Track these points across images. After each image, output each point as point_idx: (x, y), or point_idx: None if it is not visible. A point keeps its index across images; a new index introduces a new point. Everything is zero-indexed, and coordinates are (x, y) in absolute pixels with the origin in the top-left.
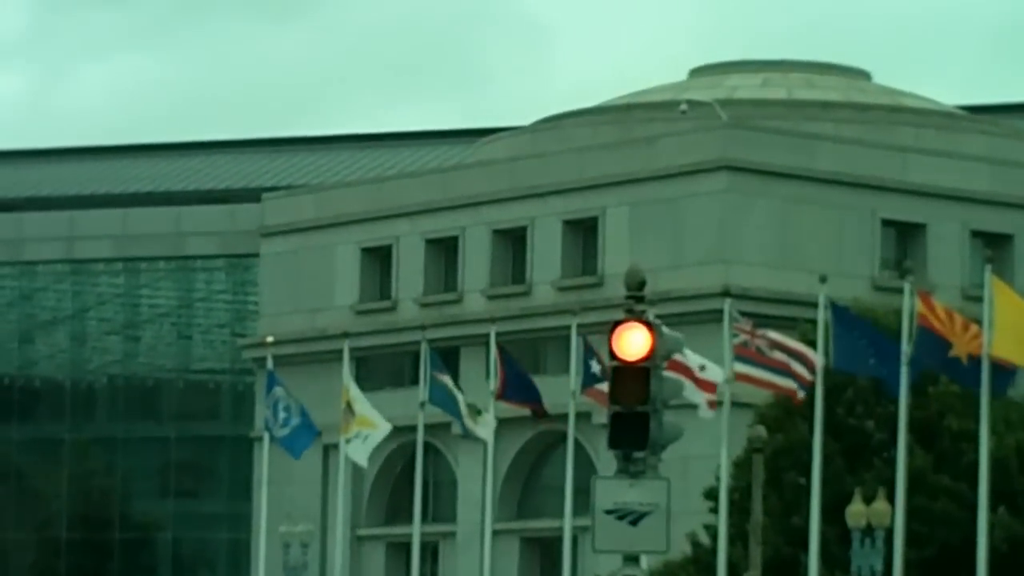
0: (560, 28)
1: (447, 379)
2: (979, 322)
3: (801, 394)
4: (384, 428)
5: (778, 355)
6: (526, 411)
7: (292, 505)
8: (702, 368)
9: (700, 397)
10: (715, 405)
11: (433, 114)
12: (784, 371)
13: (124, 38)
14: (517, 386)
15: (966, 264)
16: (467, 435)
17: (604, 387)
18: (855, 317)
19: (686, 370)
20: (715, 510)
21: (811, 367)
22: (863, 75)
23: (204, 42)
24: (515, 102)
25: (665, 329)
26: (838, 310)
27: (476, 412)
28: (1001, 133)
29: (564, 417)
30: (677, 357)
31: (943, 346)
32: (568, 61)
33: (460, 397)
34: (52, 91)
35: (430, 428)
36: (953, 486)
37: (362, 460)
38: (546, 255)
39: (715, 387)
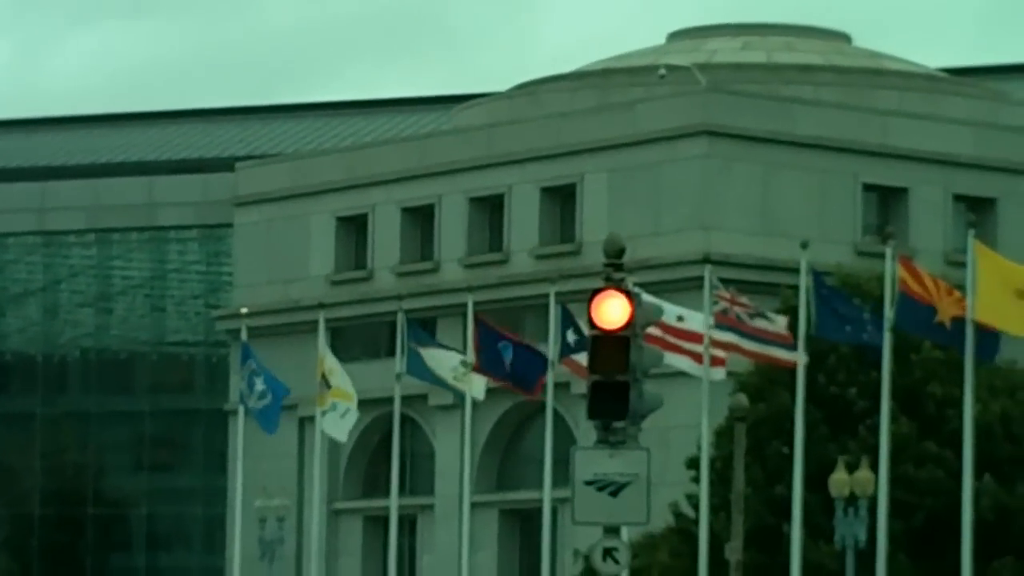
0: None
1: (433, 350)
2: (962, 288)
3: (794, 358)
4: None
5: (760, 323)
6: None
7: (268, 479)
8: (679, 319)
9: (684, 362)
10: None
11: (409, 81)
12: (768, 339)
13: (104, 8)
14: (497, 361)
15: (949, 229)
16: (457, 397)
17: (580, 357)
18: (833, 289)
19: (665, 339)
20: (696, 480)
21: (785, 343)
22: (843, 38)
23: (180, 12)
24: (492, 68)
25: (645, 296)
26: (818, 277)
27: (465, 370)
28: (984, 96)
29: (543, 387)
30: (653, 329)
31: (926, 311)
32: (546, 26)
33: (452, 360)
34: (32, 61)
35: (407, 400)
36: (938, 453)
37: (341, 435)
38: (524, 223)
39: (700, 337)
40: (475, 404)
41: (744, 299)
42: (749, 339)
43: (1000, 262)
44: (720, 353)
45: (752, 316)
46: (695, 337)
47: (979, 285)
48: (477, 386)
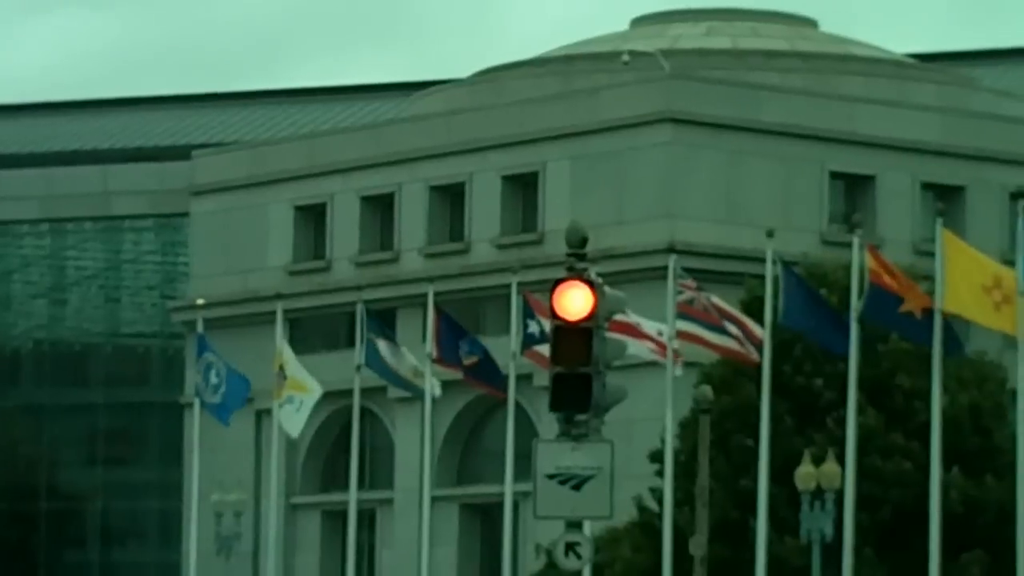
0: None
1: (387, 345)
2: (930, 277)
3: (755, 356)
4: (316, 392)
5: (723, 304)
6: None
7: (224, 473)
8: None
9: (645, 350)
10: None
11: (368, 67)
12: (736, 323)
13: None
14: (457, 353)
15: (917, 217)
16: (414, 394)
17: (543, 348)
18: (800, 280)
19: (630, 328)
20: (660, 473)
21: (756, 342)
22: (810, 23)
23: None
24: (452, 54)
25: (607, 288)
26: (787, 267)
27: (419, 373)
28: (953, 82)
29: (504, 379)
30: (620, 316)
31: (894, 302)
32: (507, 12)
33: (403, 357)
34: None
35: (366, 392)
36: (906, 445)
37: (294, 430)
38: (485, 212)
39: (664, 347)
40: (435, 397)
41: (704, 295)
42: (715, 332)
43: (968, 252)
44: (680, 344)
45: (711, 310)
46: (662, 346)
47: (947, 275)
48: (435, 385)
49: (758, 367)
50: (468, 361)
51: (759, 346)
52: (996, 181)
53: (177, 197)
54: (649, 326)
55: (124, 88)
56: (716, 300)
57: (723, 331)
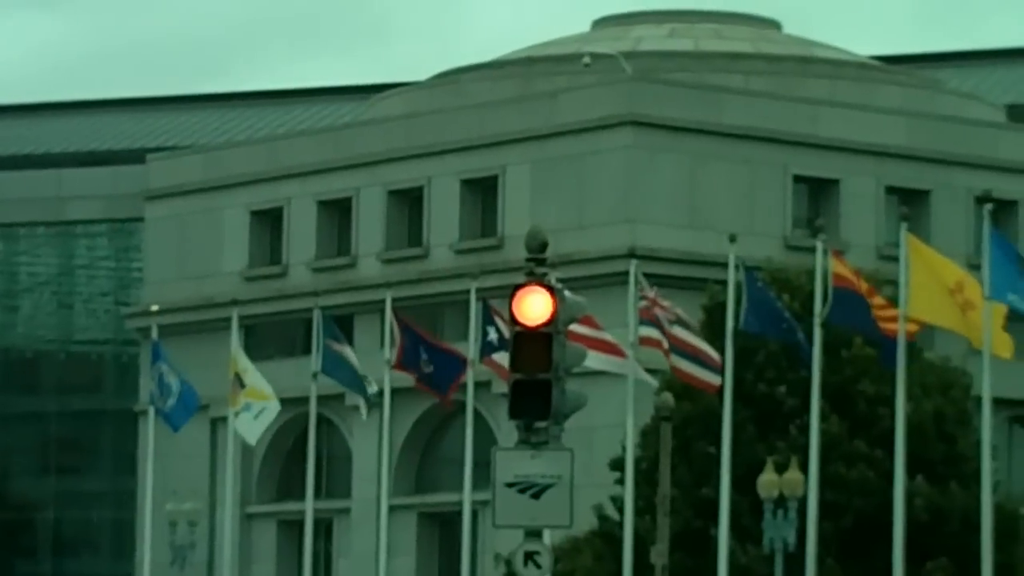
0: None
1: (345, 349)
2: (894, 282)
3: (717, 381)
4: (275, 404)
5: (680, 332)
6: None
7: (179, 482)
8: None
9: (608, 361)
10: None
11: (325, 70)
12: (691, 354)
13: None
14: (417, 359)
15: (881, 221)
16: (373, 404)
17: (501, 357)
18: (762, 287)
19: (589, 337)
20: (621, 482)
21: (715, 367)
22: (773, 25)
23: (90, 1)
24: (411, 57)
25: (568, 293)
26: (750, 272)
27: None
28: (917, 85)
29: (463, 386)
30: (577, 327)
31: (861, 305)
32: (466, 14)
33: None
34: None
35: (323, 400)
36: (869, 452)
37: (251, 438)
38: (444, 216)
39: (624, 354)
40: (393, 404)
41: (666, 303)
42: (673, 350)
43: (933, 257)
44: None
45: (672, 323)
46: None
47: (912, 279)
48: (363, 408)
49: (720, 373)
50: (425, 369)
51: (718, 370)
52: (961, 185)
53: (131, 201)
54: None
55: (78, 91)
56: (666, 304)
57: (682, 352)
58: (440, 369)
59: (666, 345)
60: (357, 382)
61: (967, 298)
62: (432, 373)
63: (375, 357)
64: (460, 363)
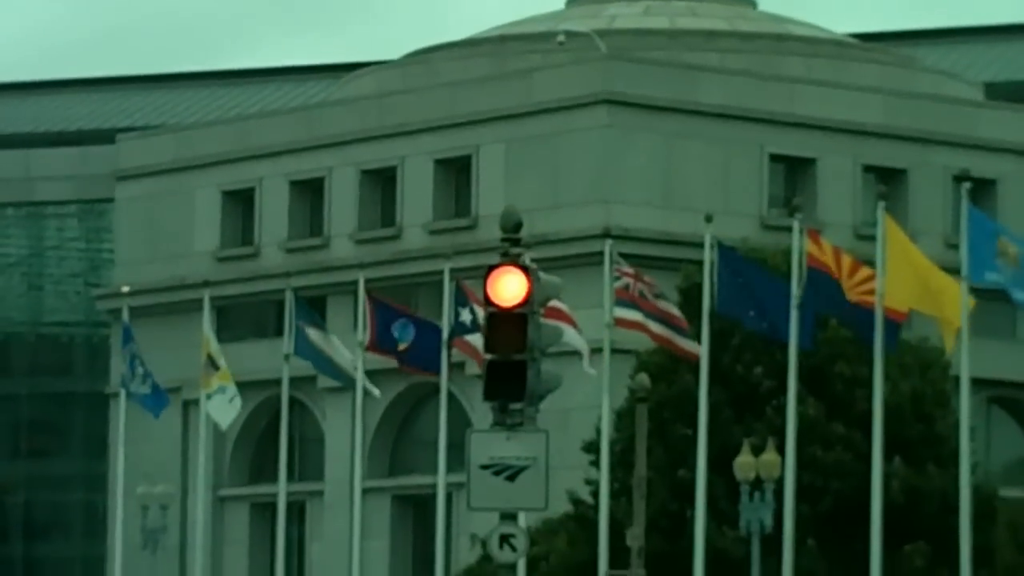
0: None
1: (318, 333)
2: (871, 263)
3: (695, 349)
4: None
5: (663, 304)
6: (395, 362)
7: (150, 465)
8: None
9: (582, 342)
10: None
11: (297, 49)
12: (671, 324)
13: None
14: (390, 340)
15: (858, 201)
16: (346, 385)
17: (474, 338)
18: (742, 260)
19: (566, 316)
20: (596, 464)
21: (683, 329)
22: (748, 3)
23: None
24: (384, 36)
25: (542, 274)
26: (725, 252)
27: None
28: (894, 62)
29: (436, 368)
30: (555, 303)
31: (836, 288)
32: None
33: (336, 348)
34: None
35: (296, 381)
36: (847, 434)
37: (223, 421)
38: (417, 196)
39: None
40: (375, 397)
41: (647, 277)
42: (653, 319)
43: (905, 240)
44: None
45: (656, 296)
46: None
47: (889, 260)
48: (370, 385)
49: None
50: (401, 347)
51: (687, 333)
52: (939, 163)
53: (101, 182)
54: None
55: (46, 71)
56: (649, 279)
57: (662, 321)
58: (426, 343)
59: (644, 324)
60: (332, 368)
61: (942, 283)
62: (410, 351)
63: (348, 338)
64: (439, 336)
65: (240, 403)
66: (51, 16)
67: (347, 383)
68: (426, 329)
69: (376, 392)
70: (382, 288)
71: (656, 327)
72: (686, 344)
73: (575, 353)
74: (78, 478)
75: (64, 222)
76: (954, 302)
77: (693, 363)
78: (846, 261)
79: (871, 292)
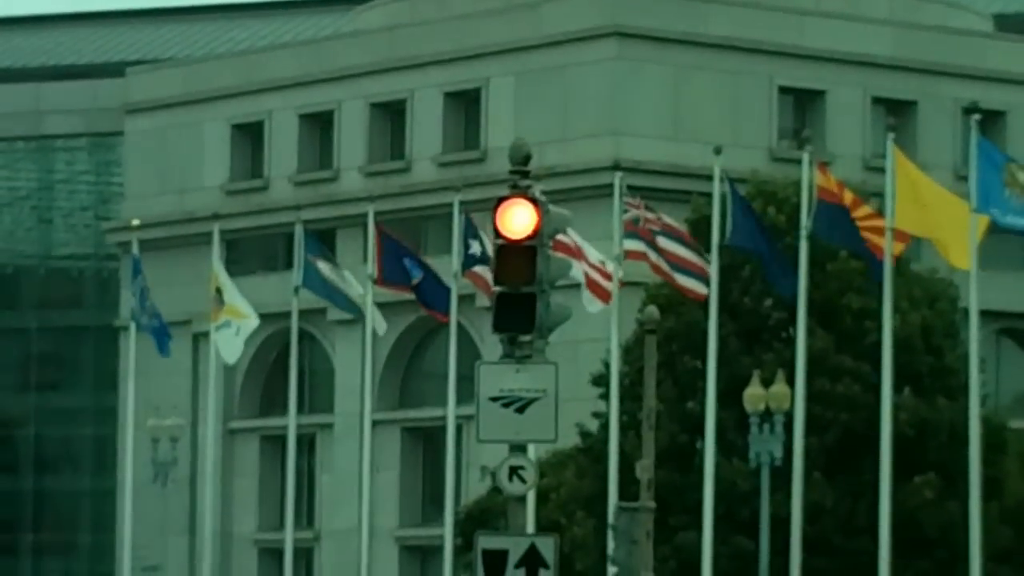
0: None
1: (327, 265)
2: (880, 194)
3: (705, 291)
4: (254, 321)
5: (670, 245)
6: (406, 294)
7: (160, 398)
8: (602, 263)
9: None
10: (609, 298)
11: None
12: (679, 265)
13: None
14: (401, 272)
15: (867, 132)
16: (356, 316)
17: (483, 270)
18: (748, 207)
19: (574, 249)
20: (605, 396)
21: (702, 276)
22: None
23: None
24: None
25: (552, 206)
26: (735, 188)
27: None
28: None
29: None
30: (563, 238)
31: (847, 218)
32: None
33: (348, 281)
34: None
35: (305, 314)
36: (855, 367)
37: (231, 357)
38: (426, 129)
39: (610, 276)
40: (379, 335)
41: (651, 215)
42: (660, 256)
43: (914, 170)
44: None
45: (657, 233)
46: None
47: (897, 191)
48: (379, 320)
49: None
50: (414, 280)
51: (706, 279)
52: (948, 95)
53: (111, 115)
54: (593, 256)
55: (56, 4)
56: (668, 220)
57: (669, 261)
58: (433, 289)
59: (653, 257)
60: (343, 300)
61: (953, 211)
62: (425, 291)
63: (358, 271)
64: (447, 291)
65: (247, 335)
66: None
67: (357, 314)
68: (433, 279)
69: (381, 329)
70: (391, 221)
71: (663, 264)
72: (687, 282)
73: (580, 285)
74: (88, 411)
75: (74, 155)
76: (964, 229)
77: (703, 299)
78: (848, 197)
79: (870, 230)
